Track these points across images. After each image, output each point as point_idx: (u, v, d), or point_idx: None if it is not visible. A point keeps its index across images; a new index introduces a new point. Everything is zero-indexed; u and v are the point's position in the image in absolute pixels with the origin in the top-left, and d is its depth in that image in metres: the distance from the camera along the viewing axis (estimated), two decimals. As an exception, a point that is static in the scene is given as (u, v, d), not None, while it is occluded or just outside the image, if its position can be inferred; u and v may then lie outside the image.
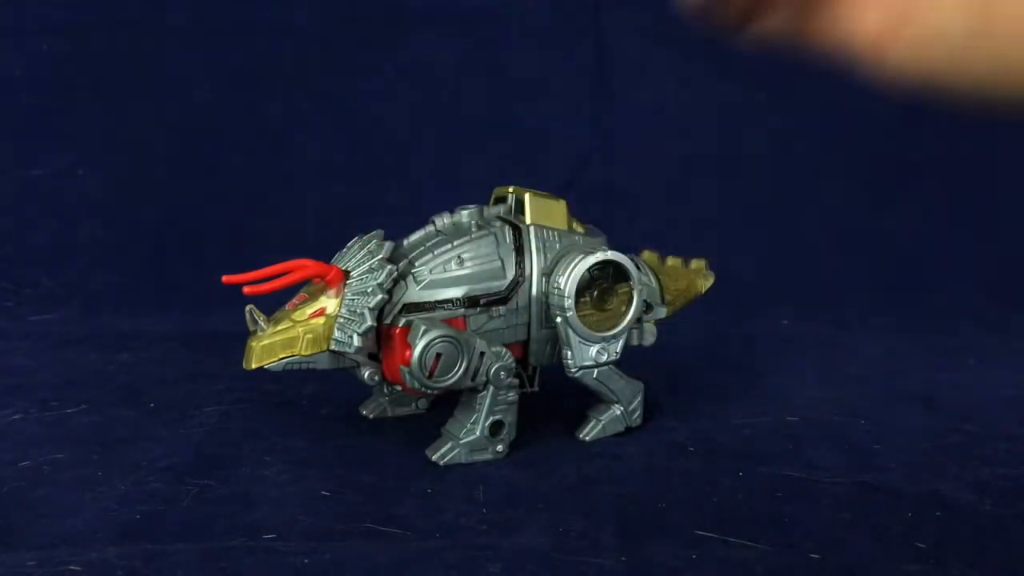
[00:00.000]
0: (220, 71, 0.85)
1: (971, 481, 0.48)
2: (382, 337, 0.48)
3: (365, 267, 0.48)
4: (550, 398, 0.54)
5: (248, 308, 0.47)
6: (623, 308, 0.52)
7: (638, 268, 0.53)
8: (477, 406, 0.49)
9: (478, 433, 0.49)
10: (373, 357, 0.49)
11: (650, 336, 0.54)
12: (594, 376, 0.52)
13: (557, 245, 0.51)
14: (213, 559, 0.40)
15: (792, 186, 0.86)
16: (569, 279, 0.49)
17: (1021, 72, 0.30)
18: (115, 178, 0.83)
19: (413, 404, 0.56)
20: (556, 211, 0.52)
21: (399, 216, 0.55)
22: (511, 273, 0.50)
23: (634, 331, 0.53)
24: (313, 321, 0.47)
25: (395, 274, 0.48)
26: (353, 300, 0.47)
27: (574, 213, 0.53)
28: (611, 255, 0.50)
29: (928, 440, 0.53)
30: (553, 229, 0.51)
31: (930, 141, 0.87)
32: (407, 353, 0.47)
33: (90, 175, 0.83)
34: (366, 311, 0.47)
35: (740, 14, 0.34)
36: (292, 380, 0.59)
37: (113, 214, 0.82)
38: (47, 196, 0.82)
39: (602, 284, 0.51)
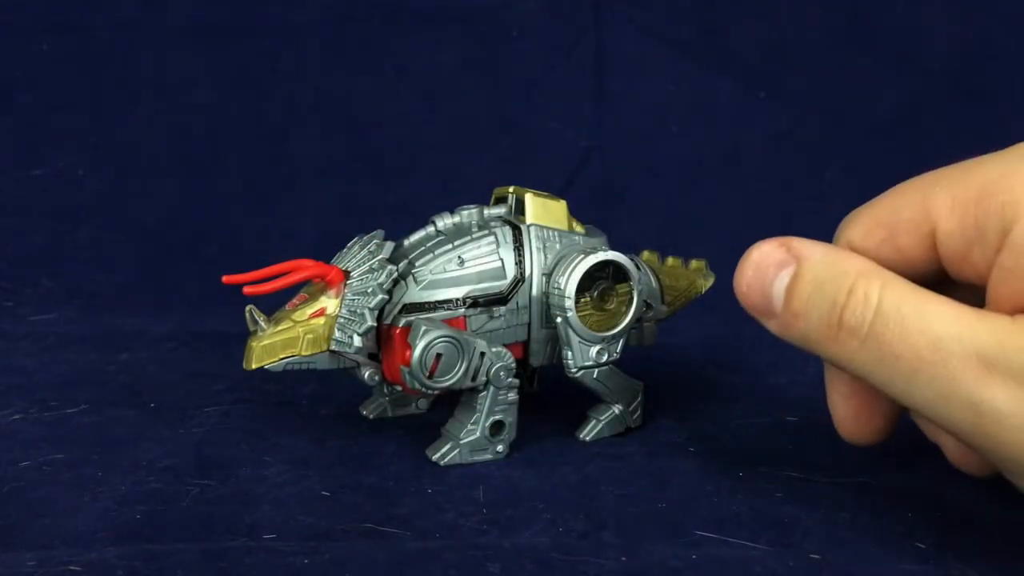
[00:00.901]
0: (220, 71, 0.85)
1: (971, 481, 0.48)
2: (382, 337, 0.48)
3: (365, 267, 0.48)
4: (550, 398, 0.54)
5: (248, 308, 0.47)
6: (623, 308, 0.52)
7: (638, 268, 0.53)
8: (477, 406, 0.49)
9: (478, 433, 0.49)
10: (373, 357, 0.49)
11: (650, 336, 0.54)
12: (594, 376, 0.52)
13: (557, 245, 0.51)
14: (213, 559, 0.40)
15: (792, 186, 0.86)
16: (569, 279, 0.49)
17: None
18: (115, 178, 0.83)
19: (413, 404, 0.56)
20: (556, 211, 0.52)
21: (399, 216, 0.55)
22: (511, 273, 0.50)
23: (634, 331, 0.53)
24: (313, 321, 0.47)
25: (395, 274, 0.48)
26: (353, 300, 0.47)
27: (574, 213, 0.53)
28: (611, 255, 0.50)
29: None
30: (553, 229, 0.51)
31: (931, 140, 0.87)
32: (407, 353, 0.47)
33: (90, 175, 0.83)
34: (366, 311, 0.47)
35: None
36: (292, 380, 0.59)
37: (113, 214, 0.82)
38: (47, 196, 0.83)
39: (602, 284, 0.51)
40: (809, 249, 0.40)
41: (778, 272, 0.40)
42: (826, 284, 0.38)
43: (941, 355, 0.35)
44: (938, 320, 0.35)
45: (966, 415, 0.35)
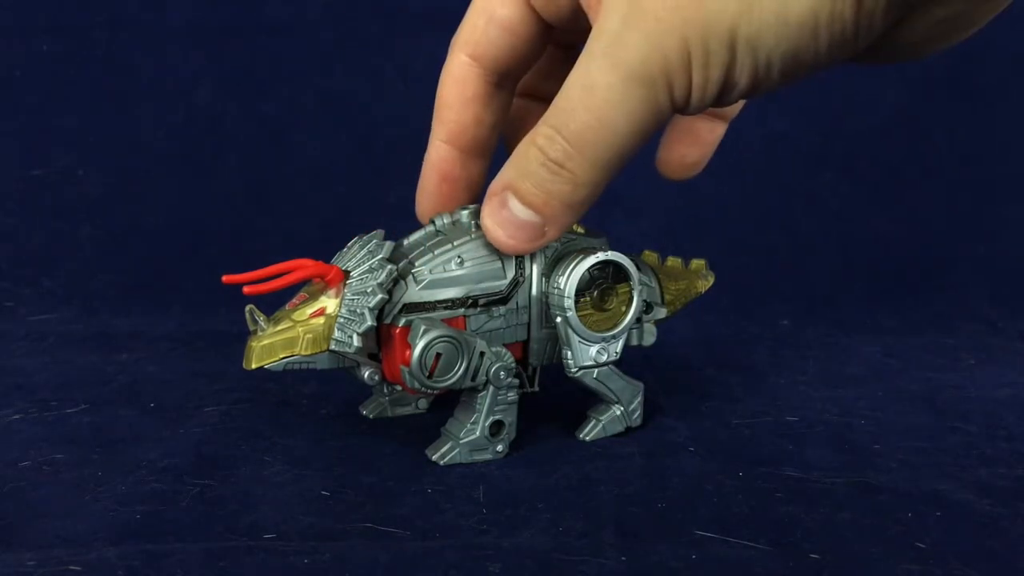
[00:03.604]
0: (220, 71, 0.85)
1: (971, 481, 0.48)
2: (382, 337, 0.48)
3: (365, 267, 0.48)
4: (550, 398, 0.54)
5: (248, 308, 0.47)
6: (623, 308, 0.52)
7: (638, 268, 0.53)
8: (477, 406, 0.49)
9: (478, 433, 0.49)
10: (373, 357, 0.49)
11: (650, 336, 0.54)
12: (594, 376, 0.52)
13: (557, 245, 0.51)
14: (213, 559, 0.40)
15: (792, 186, 0.86)
16: (569, 279, 0.49)
17: None
18: (115, 178, 0.83)
19: (413, 404, 0.56)
20: (556, 211, 0.52)
21: (399, 216, 0.55)
22: (511, 273, 0.50)
23: (634, 331, 0.53)
24: (313, 321, 0.47)
25: (395, 274, 0.48)
26: (353, 300, 0.47)
27: (574, 213, 0.53)
28: (611, 255, 0.50)
29: (928, 440, 0.53)
30: (553, 229, 0.51)
31: (930, 142, 0.87)
32: (407, 353, 0.47)
33: (90, 175, 0.83)
34: (366, 311, 0.47)
35: None
36: (292, 380, 0.59)
37: (113, 214, 0.82)
38: (47, 196, 0.83)
39: (602, 284, 0.51)
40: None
41: (502, 208, 0.44)
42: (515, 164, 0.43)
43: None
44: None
45: None
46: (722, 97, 0.39)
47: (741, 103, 0.49)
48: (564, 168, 0.41)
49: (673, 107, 0.39)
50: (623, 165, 0.42)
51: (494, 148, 0.52)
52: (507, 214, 0.44)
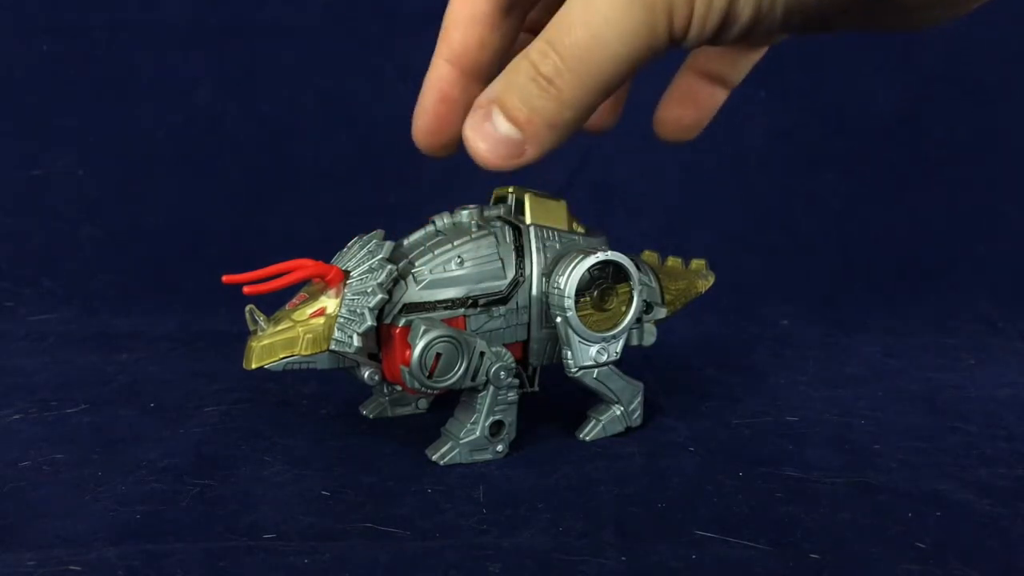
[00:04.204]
0: (220, 71, 0.85)
1: (971, 481, 0.48)
2: (382, 337, 0.48)
3: (365, 267, 0.48)
4: (550, 398, 0.54)
5: (248, 308, 0.47)
6: (623, 308, 0.52)
7: (638, 268, 0.53)
8: (477, 406, 0.49)
9: (478, 433, 0.49)
10: (373, 357, 0.49)
11: (650, 336, 0.54)
12: (594, 376, 0.52)
13: (557, 245, 0.51)
14: (213, 559, 0.40)
15: (792, 186, 0.87)
16: (569, 279, 0.49)
17: None
18: (115, 178, 0.83)
19: (413, 404, 0.56)
20: (556, 211, 0.52)
21: (399, 216, 0.55)
22: (511, 273, 0.50)
23: (634, 331, 0.53)
24: (313, 321, 0.47)
25: (395, 274, 0.48)
26: (353, 300, 0.47)
27: (574, 213, 0.53)
28: (611, 255, 0.50)
29: (928, 440, 0.53)
30: (553, 229, 0.51)
31: (931, 141, 0.87)
32: (407, 353, 0.47)
33: (90, 175, 0.83)
34: (366, 311, 0.47)
35: None
36: (292, 380, 0.59)
37: (113, 214, 0.82)
38: (47, 196, 0.83)
39: (602, 284, 0.51)
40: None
41: (486, 120, 0.42)
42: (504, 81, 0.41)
43: None
44: None
45: None
46: (721, 33, 0.39)
47: (745, 71, 0.48)
48: (552, 85, 0.41)
49: (671, 37, 0.39)
50: (610, 92, 0.41)
51: (495, 76, 0.51)
52: (489, 128, 0.43)
